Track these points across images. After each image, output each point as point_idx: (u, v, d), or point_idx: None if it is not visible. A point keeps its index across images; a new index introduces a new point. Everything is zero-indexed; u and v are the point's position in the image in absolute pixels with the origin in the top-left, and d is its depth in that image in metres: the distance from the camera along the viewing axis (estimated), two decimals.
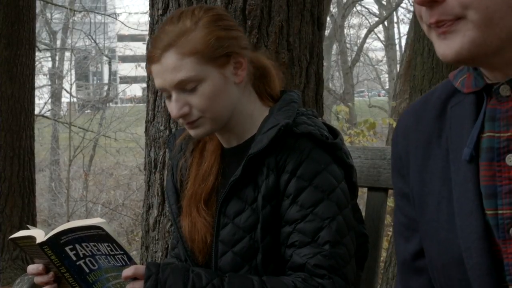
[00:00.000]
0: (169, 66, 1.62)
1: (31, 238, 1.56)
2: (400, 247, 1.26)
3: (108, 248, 1.56)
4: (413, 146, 1.20)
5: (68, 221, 10.41)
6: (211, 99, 1.63)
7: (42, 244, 1.54)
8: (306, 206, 1.60)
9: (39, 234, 1.56)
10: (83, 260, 1.56)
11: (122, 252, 1.57)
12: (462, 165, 1.09)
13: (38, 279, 1.64)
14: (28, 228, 1.62)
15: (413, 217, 1.21)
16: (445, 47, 1.01)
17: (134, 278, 1.56)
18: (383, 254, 5.96)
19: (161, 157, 2.45)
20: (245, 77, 1.68)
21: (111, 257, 1.57)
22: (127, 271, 1.55)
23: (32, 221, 6.50)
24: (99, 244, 1.55)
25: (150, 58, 1.66)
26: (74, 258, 1.55)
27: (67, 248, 1.54)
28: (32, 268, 1.65)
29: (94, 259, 1.57)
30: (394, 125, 7.66)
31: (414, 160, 1.19)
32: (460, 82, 1.14)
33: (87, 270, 1.57)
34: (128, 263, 1.57)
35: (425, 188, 1.16)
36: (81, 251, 1.55)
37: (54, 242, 1.53)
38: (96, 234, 1.54)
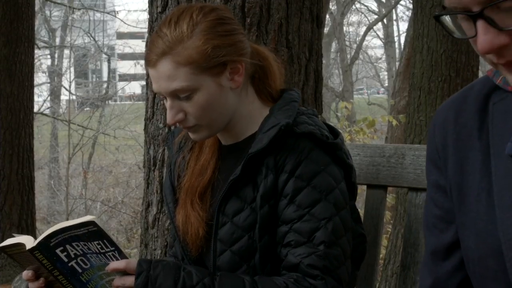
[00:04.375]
0: (164, 73, 1.60)
1: (20, 245, 1.53)
2: (432, 238, 1.26)
3: (99, 246, 1.56)
4: (452, 138, 1.21)
5: (67, 219, 10.41)
6: (205, 108, 1.62)
7: (32, 249, 1.51)
8: (303, 206, 1.59)
9: (28, 240, 1.53)
10: (74, 261, 1.55)
11: (113, 249, 1.57)
12: (504, 159, 1.10)
13: (30, 286, 1.65)
14: (14, 236, 1.59)
15: (449, 209, 1.22)
16: None
17: (125, 272, 1.56)
18: (382, 251, 5.96)
19: (160, 154, 2.45)
20: (243, 79, 1.66)
21: (102, 255, 1.57)
22: (118, 264, 1.56)
23: (31, 219, 6.51)
24: (89, 243, 1.55)
25: (147, 61, 1.65)
26: (66, 260, 1.54)
27: (57, 250, 1.53)
28: (24, 274, 1.65)
29: (85, 258, 1.56)
30: (394, 123, 7.67)
31: (453, 152, 1.20)
32: (502, 80, 1.15)
33: (80, 270, 1.56)
34: (119, 259, 1.58)
35: (465, 180, 1.17)
36: (72, 251, 1.54)
37: (44, 245, 1.51)
38: (86, 233, 1.54)
